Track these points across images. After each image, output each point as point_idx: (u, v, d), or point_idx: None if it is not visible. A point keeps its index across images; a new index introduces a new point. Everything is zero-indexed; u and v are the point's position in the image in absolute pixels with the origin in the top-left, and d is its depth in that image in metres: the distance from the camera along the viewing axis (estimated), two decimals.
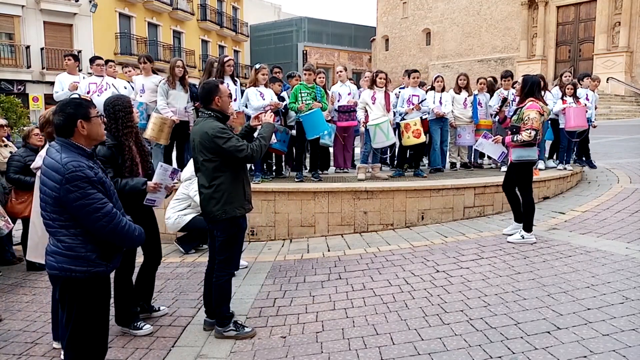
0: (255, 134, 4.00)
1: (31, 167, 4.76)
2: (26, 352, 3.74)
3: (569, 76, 8.82)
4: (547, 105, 5.82)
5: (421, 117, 7.73)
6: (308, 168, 8.04)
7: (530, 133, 5.27)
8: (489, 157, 8.90)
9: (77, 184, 2.57)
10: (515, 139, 5.39)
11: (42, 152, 3.73)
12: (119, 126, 3.78)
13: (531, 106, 5.39)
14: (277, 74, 8.28)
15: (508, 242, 5.60)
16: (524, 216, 5.63)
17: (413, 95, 7.90)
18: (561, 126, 8.35)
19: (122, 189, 3.62)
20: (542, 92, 8.09)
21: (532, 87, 5.52)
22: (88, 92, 7.38)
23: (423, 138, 7.64)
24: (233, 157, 3.65)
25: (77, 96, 6.49)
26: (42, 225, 3.25)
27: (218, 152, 3.63)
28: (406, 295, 4.35)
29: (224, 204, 3.69)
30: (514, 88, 8.23)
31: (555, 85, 8.68)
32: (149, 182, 3.79)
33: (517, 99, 6.11)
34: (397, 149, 8.33)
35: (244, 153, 3.64)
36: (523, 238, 5.56)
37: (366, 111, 7.39)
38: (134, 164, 3.83)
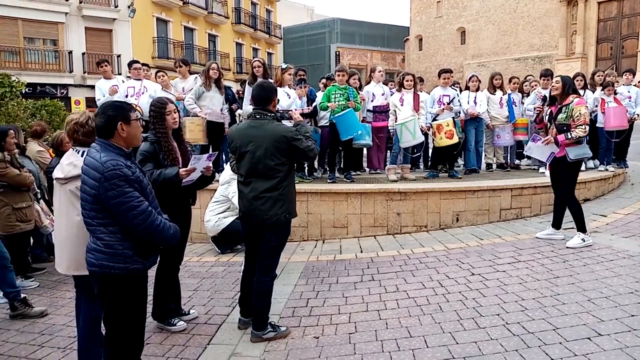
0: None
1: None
2: (70, 346, 3.88)
3: (602, 75, 8.55)
4: None
5: (453, 118, 7.62)
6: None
7: (585, 128, 5.25)
8: (531, 159, 8.62)
9: (115, 182, 2.66)
10: (570, 136, 5.27)
11: (64, 161, 3.37)
12: (155, 125, 3.91)
13: (579, 102, 5.35)
14: (302, 76, 8.34)
15: (567, 247, 5.34)
16: (577, 218, 5.45)
17: (443, 95, 7.81)
18: (600, 126, 8.08)
19: (156, 179, 3.67)
20: (583, 91, 7.97)
21: (573, 85, 5.55)
22: (126, 96, 7.62)
23: (456, 139, 7.52)
24: (305, 157, 3.62)
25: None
26: (67, 234, 3.30)
27: (292, 153, 3.59)
28: (440, 298, 4.30)
29: (287, 207, 3.66)
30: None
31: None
32: (180, 170, 3.77)
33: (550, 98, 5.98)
34: (430, 150, 8.24)
35: (314, 152, 3.65)
36: (584, 241, 5.36)
37: (395, 113, 7.40)
38: (174, 159, 3.90)
